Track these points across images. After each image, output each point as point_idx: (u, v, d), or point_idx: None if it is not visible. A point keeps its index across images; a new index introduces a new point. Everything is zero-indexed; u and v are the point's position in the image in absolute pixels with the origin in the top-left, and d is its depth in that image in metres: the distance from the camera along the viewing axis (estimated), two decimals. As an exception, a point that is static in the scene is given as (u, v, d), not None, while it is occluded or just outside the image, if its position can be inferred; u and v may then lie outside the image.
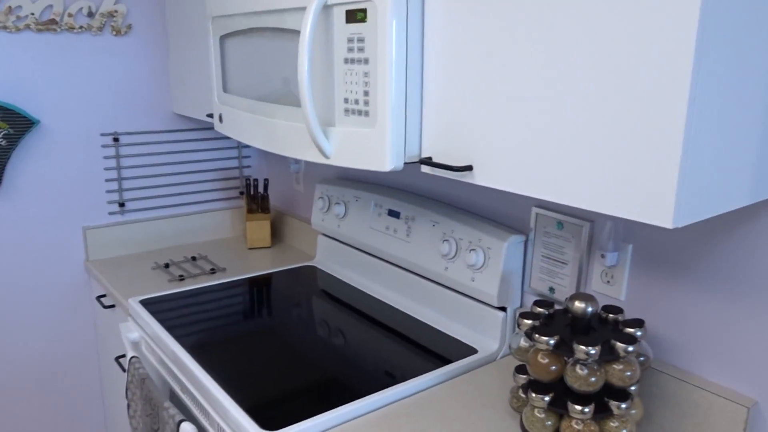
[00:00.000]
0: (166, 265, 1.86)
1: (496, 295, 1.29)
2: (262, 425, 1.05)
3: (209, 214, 2.12)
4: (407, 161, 1.01)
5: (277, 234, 2.19)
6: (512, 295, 1.31)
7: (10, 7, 1.67)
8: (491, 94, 0.89)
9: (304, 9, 1.08)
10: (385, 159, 0.99)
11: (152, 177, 1.99)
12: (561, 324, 1.04)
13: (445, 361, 1.27)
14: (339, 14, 1.01)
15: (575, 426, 0.96)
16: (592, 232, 1.18)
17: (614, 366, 0.96)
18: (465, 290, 1.37)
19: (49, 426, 1.96)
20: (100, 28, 1.81)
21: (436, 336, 1.39)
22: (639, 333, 0.98)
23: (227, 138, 2.11)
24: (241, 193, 2.19)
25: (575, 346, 0.94)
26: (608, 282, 1.16)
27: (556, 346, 0.97)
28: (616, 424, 0.96)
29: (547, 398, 0.98)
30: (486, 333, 1.34)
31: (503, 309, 1.32)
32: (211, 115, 1.62)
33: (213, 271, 1.82)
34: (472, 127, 0.93)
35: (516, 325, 1.33)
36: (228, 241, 2.13)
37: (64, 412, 1.98)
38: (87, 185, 1.88)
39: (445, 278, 1.41)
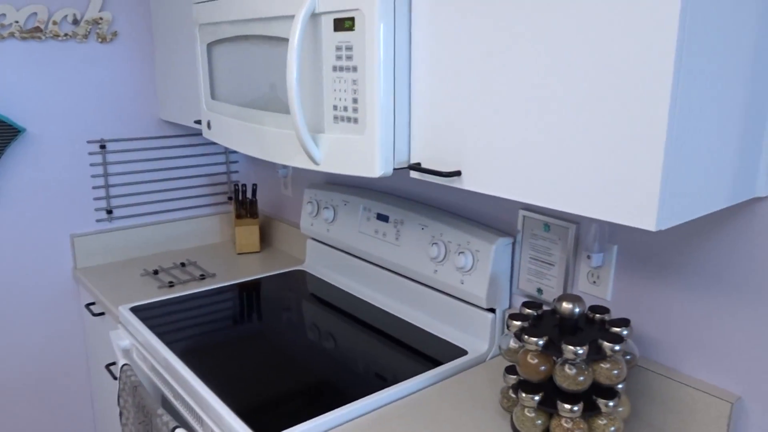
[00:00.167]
0: (155, 272, 1.86)
1: (485, 296, 1.31)
2: (255, 430, 1.06)
3: (197, 219, 2.12)
4: (396, 167, 1.03)
5: (265, 239, 2.20)
6: (501, 297, 1.33)
7: (-6, 15, 1.66)
8: (478, 101, 0.91)
9: (292, 17, 1.09)
10: (375, 165, 1.01)
11: (140, 183, 1.99)
12: (549, 325, 1.06)
13: (436, 363, 1.29)
14: (327, 22, 1.03)
15: (565, 424, 0.98)
16: (578, 233, 1.20)
17: (601, 365, 0.98)
18: (454, 292, 1.38)
19: (39, 435, 1.95)
20: (86, 36, 1.81)
21: (426, 338, 1.41)
22: (625, 332, 1.00)
23: (215, 144, 2.12)
24: (230, 198, 2.19)
25: (563, 346, 0.96)
26: (594, 282, 1.19)
27: (545, 346, 0.99)
28: (605, 421, 0.98)
29: (536, 398, 1.00)
30: (475, 334, 1.36)
31: (492, 310, 1.34)
32: (199, 122, 1.63)
33: (203, 277, 1.82)
34: (460, 133, 0.95)
35: (505, 327, 1.35)
36: (217, 246, 2.13)
37: (54, 421, 1.97)
38: (74, 193, 1.88)
39: (434, 281, 1.42)
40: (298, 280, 1.77)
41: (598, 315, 1.05)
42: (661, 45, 0.70)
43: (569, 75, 0.79)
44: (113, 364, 1.72)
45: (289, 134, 1.15)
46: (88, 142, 1.88)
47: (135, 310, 1.54)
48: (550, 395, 1.01)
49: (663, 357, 1.11)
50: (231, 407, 1.12)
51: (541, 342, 0.99)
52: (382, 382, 1.21)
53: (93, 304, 1.82)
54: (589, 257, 1.17)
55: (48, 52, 1.77)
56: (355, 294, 1.66)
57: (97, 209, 1.92)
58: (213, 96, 1.42)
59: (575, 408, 0.96)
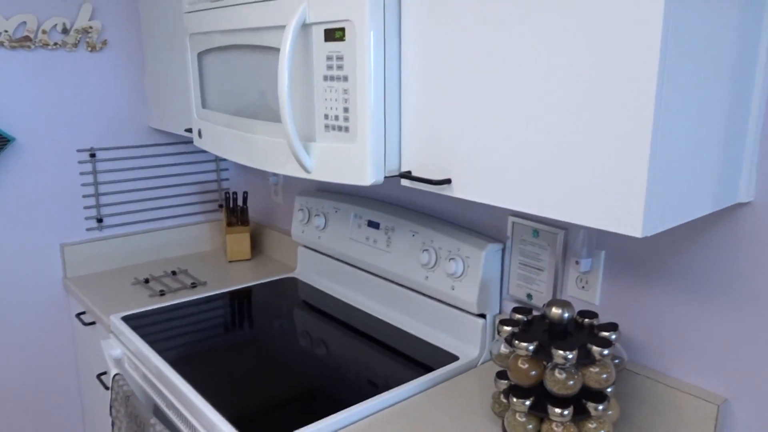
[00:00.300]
0: (146, 281, 1.85)
1: (475, 302, 1.32)
2: (249, 438, 1.06)
3: (188, 227, 2.12)
4: (387, 175, 1.04)
5: (257, 246, 2.20)
6: (491, 302, 1.34)
7: (-17, 24, 1.66)
8: (467, 111, 0.93)
9: (282, 27, 1.10)
10: (366, 173, 1.02)
11: (130, 192, 1.99)
12: (539, 330, 1.07)
13: (427, 369, 1.30)
14: (318, 33, 1.04)
15: (555, 428, 0.99)
16: (566, 239, 1.22)
17: (591, 369, 0.99)
18: (445, 298, 1.40)
19: (29, 446, 1.93)
20: (75, 45, 1.81)
21: (417, 344, 1.41)
22: (613, 336, 1.02)
23: (205, 152, 2.12)
24: (220, 206, 2.19)
25: (553, 351, 0.97)
26: (583, 287, 1.20)
27: (535, 351, 1.00)
28: (594, 425, 0.99)
29: (527, 402, 1.01)
30: (466, 340, 1.37)
31: (483, 316, 1.35)
32: (189, 130, 1.63)
33: (194, 285, 1.82)
34: (450, 142, 0.96)
35: (496, 332, 1.36)
36: (208, 254, 2.13)
37: None
38: (64, 202, 1.87)
39: (425, 287, 1.43)
40: (289, 287, 1.77)
41: (587, 320, 1.07)
42: (644, 56, 0.71)
43: (556, 86, 0.81)
44: (104, 373, 1.71)
45: (280, 142, 1.16)
46: (78, 150, 1.88)
47: (126, 319, 1.54)
48: (541, 400, 1.02)
49: (651, 360, 1.13)
50: (224, 415, 1.13)
51: (531, 347, 1.00)
52: (374, 388, 1.22)
53: (83, 313, 1.81)
54: (577, 263, 1.18)
55: (37, 61, 1.77)
56: (346, 301, 1.67)
57: (87, 218, 1.92)
58: (204, 105, 1.42)
59: (565, 412, 0.98)
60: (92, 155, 1.90)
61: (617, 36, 0.74)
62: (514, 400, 1.02)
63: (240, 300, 1.68)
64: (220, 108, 1.36)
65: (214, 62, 1.34)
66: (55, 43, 1.78)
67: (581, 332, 1.05)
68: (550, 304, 1.05)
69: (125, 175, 1.97)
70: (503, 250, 1.34)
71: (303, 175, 1.13)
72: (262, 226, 2.15)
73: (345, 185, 1.77)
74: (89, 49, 1.83)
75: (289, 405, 1.16)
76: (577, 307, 1.23)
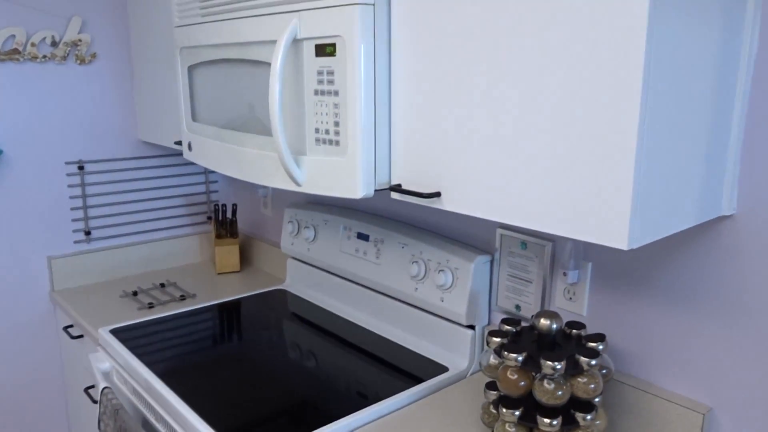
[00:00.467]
0: (135, 293, 1.85)
1: (464, 314, 1.33)
2: (240, 451, 1.06)
3: (177, 240, 2.11)
4: (378, 188, 1.05)
5: (246, 258, 2.20)
6: (480, 314, 1.36)
7: (-28, 37, 1.66)
8: (456, 125, 0.94)
9: (273, 42, 1.11)
10: (357, 187, 1.03)
11: (118, 204, 1.98)
12: (528, 341, 1.08)
13: (417, 380, 1.30)
14: (308, 48, 1.05)
15: (544, 438, 1.00)
16: (554, 251, 1.24)
17: (579, 379, 1.01)
18: (434, 310, 1.41)
19: (14, 461, 1.91)
20: (64, 57, 1.81)
21: (407, 356, 1.42)
22: (601, 347, 1.03)
23: (194, 164, 2.12)
24: (209, 218, 2.19)
25: (542, 361, 0.98)
26: (571, 299, 1.22)
27: (524, 362, 1.02)
28: (583, 435, 1.01)
29: (517, 413, 1.02)
30: (456, 351, 1.38)
31: (472, 327, 1.36)
32: (179, 143, 1.64)
33: (183, 298, 1.82)
34: (440, 156, 0.98)
35: (485, 343, 1.37)
36: (197, 266, 2.13)
37: (30, 446, 1.93)
38: (52, 214, 1.87)
39: (414, 299, 1.44)
40: (278, 299, 1.77)
41: (574, 330, 1.09)
42: (628, 76, 0.74)
43: (543, 103, 0.83)
44: (92, 387, 1.70)
45: (271, 156, 1.17)
46: (67, 163, 1.87)
47: (115, 332, 1.53)
48: (530, 410, 1.03)
49: (637, 370, 1.14)
50: (214, 428, 1.13)
51: (520, 358, 1.01)
52: (364, 400, 1.22)
53: (71, 326, 1.80)
54: (565, 274, 1.20)
55: (26, 73, 1.77)
56: (336, 312, 1.67)
57: (75, 230, 1.91)
58: (194, 118, 1.43)
59: (554, 422, 0.99)
60: (80, 167, 1.89)
61: (602, 55, 0.76)
62: (504, 410, 1.03)
63: (229, 312, 1.68)
64: (210, 121, 1.36)
65: (205, 76, 1.35)
66: (44, 56, 1.78)
67: (569, 343, 1.07)
68: (538, 316, 1.06)
69: (114, 188, 1.97)
70: (492, 261, 1.36)
71: (294, 188, 1.14)
72: (251, 238, 2.15)
73: (335, 198, 1.78)
74: (78, 61, 1.84)
75: (279, 417, 1.17)
76: (565, 318, 1.24)
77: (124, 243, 2.01)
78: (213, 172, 2.18)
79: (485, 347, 1.37)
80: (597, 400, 1.04)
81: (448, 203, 0.98)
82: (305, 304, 1.74)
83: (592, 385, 1.00)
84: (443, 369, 1.35)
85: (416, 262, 1.42)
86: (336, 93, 1.03)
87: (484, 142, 0.91)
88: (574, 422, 1.00)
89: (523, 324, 1.31)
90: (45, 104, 1.81)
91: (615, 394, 1.15)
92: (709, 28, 0.83)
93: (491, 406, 1.11)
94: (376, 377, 1.32)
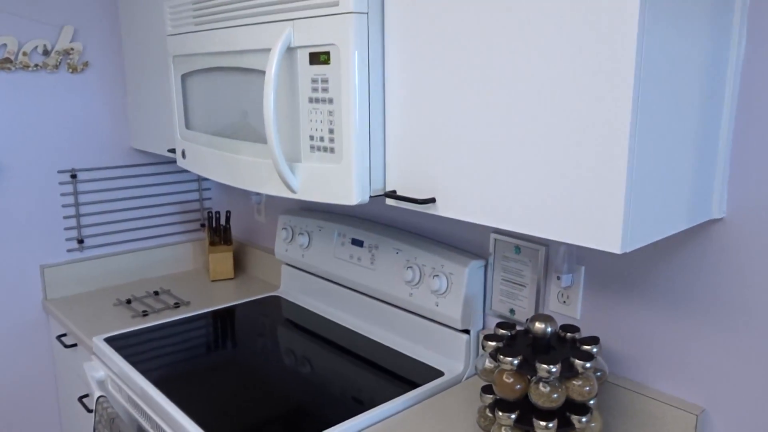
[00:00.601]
0: (129, 301, 1.84)
1: (459, 318, 1.34)
2: (237, 458, 1.06)
3: (171, 247, 2.11)
4: (373, 195, 1.06)
5: (240, 265, 2.20)
6: (475, 318, 1.36)
7: (-37, 46, 1.66)
8: (450, 131, 0.95)
9: (267, 50, 1.12)
10: (352, 193, 1.04)
11: (112, 212, 1.98)
12: (523, 344, 1.09)
13: (413, 385, 1.31)
14: (302, 56, 1.06)
15: (540, 441, 1.01)
16: (547, 255, 1.25)
17: (574, 382, 1.01)
18: (429, 315, 1.41)
19: (7, 472, 1.90)
20: (56, 66, 1.81)
21: (402, 361, 1.43)
22: (595, 349, 1.04)
23: (187, 171, 2.12)
24: (203, 225, 2.19)
25: (537, 365, 0.99)
26: (564, 302, 1.23)
27: (520, 365, 1.03)
28: (578, 437, 1.02)
29: (513, 416, 1.03)
30: (451, 355, 1.39)
31: (467, 332, 1.37)
32: (173, 150, 1.64)
33: (177, 305, 1.82)
34: (434, 162, 0.98)
35: (480, 347, 1.38)
36: (190, 273, 2.13)
37: (23, 456, 1.92)
38: (44, 223, 1.86)
39: (409, 304, 1.45)
40: (273, 305, 1.78)
41: (569, 334, 1.09)
42: (619, 82, 0.75)
43: (536, 109, 0.84)
44: (86, 396, 1.69)
45: (265, 163, 1.18)
46: (59, 171, 1.87)
47: (109, 341, 1.53)
48: (526, 413, 1.04)
49: (631, 372, 1.15)
50: (211, 436, 1.13)
51: (515, 361, 1.02)
52: (360, 405, 1.23)
53: (64, 335, 1.79)
54: (558, 278, 1.21)
55: (18, 82, 1.76)
56: (331, 318, 1.67)
57: (68, 239, 1.91)
58: (187, 125, 1.43)
59: (550, 425, 1.00)
60: (73, 176, 1.89)
61: (593, 62, 0.77)
62: (500, 413, 1.04)
63: (224, 319, 1.68)
64: (203, 129, 1.37)
65: (198, 84, 1.36)
66: (36, 65, 1.78)
67: (564, 346, 1.08)
68: (533, 319, 1.07)
69: (107, 196, 1.96)
70: (486, 266, 1.37)
71: (289, 195, 1.14)
72: (245, 245, 2.15)
73: (329, 204, 1.79)
74: (70, 70, 1.84)
75: (274, 423, 1.17)
76: (559, 322, 1.25)
77: (117, 251, 2.01)
78: (206, 179, 2.18)
79: (480, 351, 1.38)
80: (592, 402, 1.05)
81: (443, 209, 0.99)
82: (300, 310, 1.74)
83: (587, 388, 1.01)
84: (439, 373, 1.36)
85: (411, 267, 1.42)
86: (330, 101, 1.03)
87: (478, 148, 0.92)
88: (570, 425, 1.01)
89: (518, 328, 1.31)
90: (37, 113, 1.81)
91: (610, 396, 1.16)
92: (697, 35, 0.85)
93: (487, 410, 1.12)
94: (371, 382, 1.32)
